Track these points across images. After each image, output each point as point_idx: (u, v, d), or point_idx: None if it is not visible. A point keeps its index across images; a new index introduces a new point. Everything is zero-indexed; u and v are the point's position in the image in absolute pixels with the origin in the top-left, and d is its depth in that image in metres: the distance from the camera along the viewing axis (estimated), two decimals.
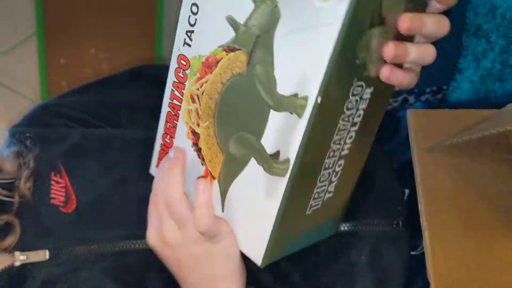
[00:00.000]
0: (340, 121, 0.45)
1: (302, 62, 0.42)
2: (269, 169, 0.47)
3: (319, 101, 0.42)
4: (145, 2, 1.51)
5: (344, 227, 0.65)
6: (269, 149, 0.46)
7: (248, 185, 0.50)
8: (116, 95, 0.74)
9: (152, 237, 0.55)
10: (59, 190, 0.61)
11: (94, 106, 0.73)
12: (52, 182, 0.61)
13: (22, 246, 0.58)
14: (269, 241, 0.50)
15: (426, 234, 0.65)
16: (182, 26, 0.50)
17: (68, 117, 0.70)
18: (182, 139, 0.55)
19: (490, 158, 0.70)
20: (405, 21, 0.41)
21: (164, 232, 0.53)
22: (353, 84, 0.43)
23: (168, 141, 0.58)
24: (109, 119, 0.72)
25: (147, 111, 0.70)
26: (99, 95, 0.74)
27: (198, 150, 0.54)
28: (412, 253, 0.70)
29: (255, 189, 0.49)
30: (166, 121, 0.57)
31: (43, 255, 0.58)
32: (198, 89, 0.51)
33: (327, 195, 0.52)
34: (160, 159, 0.60)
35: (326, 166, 0.48)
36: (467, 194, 0.68)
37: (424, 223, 0.65)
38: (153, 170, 0.61)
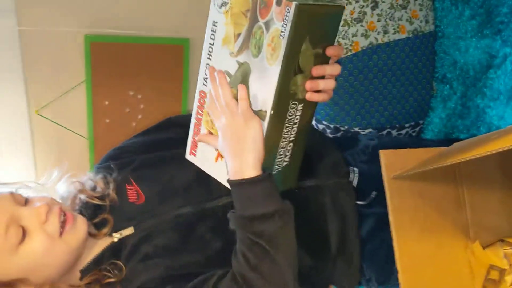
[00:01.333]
0: (286, 122, 0.81)
1: (263, 93, 0.77)
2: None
3: (272, 113, 0.77)
4: (174, 53, 1.67)
5: (310, 183, 0.95)
6: None
7: None
8: (158, 135, 1.03)
9: (219, 124, 0.82)
10: (132, 192, 0.90)
11: (145, 144, 1.02)
12: (127, 189, 0.91)
13: (116, 229, 0.88)
14: None
15: (394, 236, 0.88)
16: (200, 77, 0.87)
17: (131, 151, 1.00)
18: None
19: (441, 182, 0.92)
20: (314, 71, 0.77)
21: (223, 119, 0.80)
22: (290, 103, 0.79)
23: (196, 138, 0.92)
24: (154, 150, 1.01)
25: (178, 143, 0.98)
26: (147, 137, 1.03)
27: None
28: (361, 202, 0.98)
29: None
30: (194, 127, 0.91)
31: (130, 230, 0.88)
32: None
33: (285, 163, 0.87)
34: (191, 149, 0.93)
35: (282, 146, 0.84)
36: (424, 208, 0.90)
37: (393, 229, 0.88)
38: (187, 156, 0.95)
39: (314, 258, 0.91)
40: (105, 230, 0.88)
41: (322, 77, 0.79)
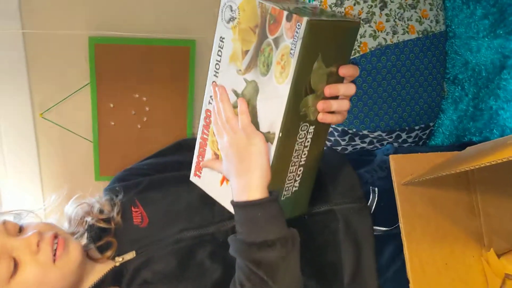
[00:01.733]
0: (296, 145, 0.77)
1: (271, 114, 0.74)
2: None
3: (280, 135, 0.73)
4: (180, 55, 1.65)
5: (322, 208, 0.91)
6: None
7: None
8: (168, 158, 1.03)
9: (221, 143, 0.79)
10: (137, 215, 0.89)
11: (154, 166, 1.00)
12: (133, 211, 0.88)
13: (119, 253, 0.87)
14: None
15: (405, 245, 0.86)
16: (206, 95, 0.83)
17: (140, 174, 0.98)
18: (208, 159, 0.87)
19: (453, 189, 0.90)
20: (326, 90, 0.73)
21: (225, 137, 0.78)
22: (301, 125, 0.75)
23: (201, 159, 0.88)
24: (163, 172, 1.00)
25: (187, 165, 0.95)
26: (156, 160, 1.02)
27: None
28: (385, 229, 0.93)
29: None
30: (199, 147, 0.88)
31: (132, 254, 0.87)
32: None
33: (294, 189, 0.82)
34: (196, 170, 0.90)
35: (291, 171, 0.79)
36: (435, 216, 0.88)
37: (404, 237, 0.86)
38: (192, 178, 0.91)
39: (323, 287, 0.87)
40: (109, 253, 0.87)
41: (336, 97, 0.75)
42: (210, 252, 0.85)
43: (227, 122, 0.76)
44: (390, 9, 1.28)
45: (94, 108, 1.66)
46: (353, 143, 1.36)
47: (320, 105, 0.73)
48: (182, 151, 1.01)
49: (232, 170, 0.76)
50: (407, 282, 0.86)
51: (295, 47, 0.67)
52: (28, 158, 1.67)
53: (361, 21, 1.28)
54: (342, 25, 0.70)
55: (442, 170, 0.83)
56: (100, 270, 0.86)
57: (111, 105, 1.67)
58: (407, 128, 1.35)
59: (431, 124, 1.38)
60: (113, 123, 1.70)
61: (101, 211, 0.91)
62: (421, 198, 0.88)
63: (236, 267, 0.74)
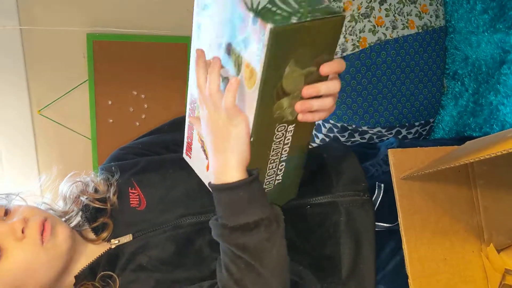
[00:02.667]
0: (273, 145, 0.72)
1: (246, 114, 0.67)
2: None
3: (252, 139, 0.68)
4: (178, 52, 1.65)
5: (324, 199, 0.88)
6: None
7: None
8: (164, 137, 1.00)
9: (202, 113, 0.73)
10: (135, 197, 0.87)
11: (151, 145, 0.98)
12: (130, 193, 0.87)
13: (115, 235, 0.85)
14: None
15: (404, 239, 0.84)
16: (192, 82, 0.77)
17: (136, 153, 0.96)
18: (196, 141, 0.84)
19: (453, 183, 0.88)
20: (305, 91, 0.67)
21: (206, 112, 0.71)
22: (276, 127, 0.70)
23: (189, 140, 0.86)
24: (160, 152, 0.97)
25: (183, 145, 0.94)
26: (152, 138, 1.00)
27: (204, 151, 0.82)
28: (387, 225, 0.91)
29: None
30: (188, 128, 0.85)
31: (128, 237, 0.84)
32: None
33: (277, 182, 0.80)
34: (187, 150, 0.88)
35: (271, 167, 0.76)
36: (435, 210, 0.86)
37: (402, 232, 0.85)
38: (184, 156, 0.90)
39: (321, 280, 0.84)
40: (104, 235, 0.85)
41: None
42: (209, 240, 0.82)
43: (210, 97, 0.68)
44: (390, 4, 1.28)
45: (92, 105, 1.66)
46: (352, 139, 1.35)
47: (298, 106, 0.68)
48: (179, 130, 0.95)
49: (210, 146, 0.72)
50: (406, 277, 0.84)
51: (261, 54, 0.60)
52: (26, 154, 1.67)
53: (360, 15, 1.27)
54: (318, 24, 0.61)
55: (442, 164, 0.81)
56: (94, 251, 0.84)
57: (110, 102, 1.67)
58: (407, 124, 1.34)
59: (431, 120, 1.37)
60: (111, 121, 1.70)
61: (96, 191, 0.88)
62: (420, 193, 0.86)
63: (220, 250, 0.72)
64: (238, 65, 0.65)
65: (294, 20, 0.59)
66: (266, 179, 0.78)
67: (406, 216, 0.85)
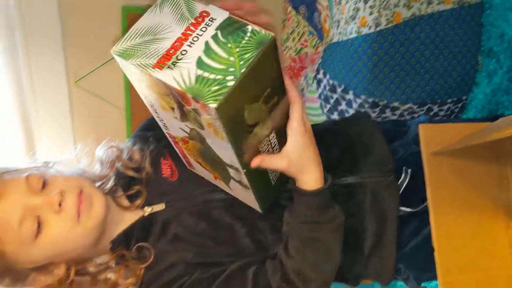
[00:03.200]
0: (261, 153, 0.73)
1: (226, 154, 0.69)
2: (239, 175, 0.74)
3: (245, 171, 0.71)
4: None
5: (352, 179, 0.90)
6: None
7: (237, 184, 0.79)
8: None
9: (297, 143, 0.76)
10: (167, 168, 0.89)
11: None
12: (162, 164, 0.89)
13: (148, 203, 0.87)
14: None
15: (431, 215, 0.85)
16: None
17: None
18: (193, 160, 0.83)
19: (483, 160, 0.88)
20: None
21: (302, 140, 0.74)
22: (260, 146, 0.70)
23: (187, 160, 0.85)
24: None
25: None
26: None
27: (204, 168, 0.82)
28: (410, 210, 0.92)
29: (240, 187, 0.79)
30: (179, 152, 0.84)
31: (161, 206, 0.86)
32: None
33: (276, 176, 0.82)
34: (188, 165, 0.87)
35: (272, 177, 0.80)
36: (464, 187, 0.86)
37: (430, 207, 0.85)
38: (188, 168, 0.88)
39: (345, 255, 0.87)
40: (138, 202, 0.87)
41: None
42: (239, 216, 0.85)
43: (307, 131, 0.75)
44: None
45: (126, 77, 1.67)
46: (383, 115, 1.35)
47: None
48: None
49: (309, 161, 0.77)
50: (425, 256, 0.86)
51: (216, 123, 0.59)
52: (62, 125, 1.71)
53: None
54: (255, 64, 0.58)
55: (473, 140, 0.81)
56: (128, 218, 0.86)
57: None
58: (439, 101, 1.33)
59: (464, 97, 1.35)
60: None
61: (130, 158, 0.90)
62: (449, 169, 0.86)
63: (290, 237, 0.79)
64: (199, 123, 0.64)
65: (230, 81, 0.56)
66: (272, 180, 0.82)
67: (435, 191, 0.85)
